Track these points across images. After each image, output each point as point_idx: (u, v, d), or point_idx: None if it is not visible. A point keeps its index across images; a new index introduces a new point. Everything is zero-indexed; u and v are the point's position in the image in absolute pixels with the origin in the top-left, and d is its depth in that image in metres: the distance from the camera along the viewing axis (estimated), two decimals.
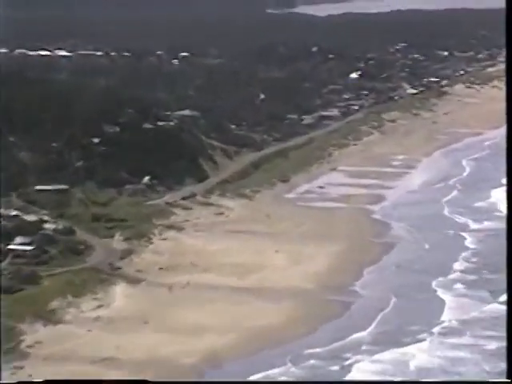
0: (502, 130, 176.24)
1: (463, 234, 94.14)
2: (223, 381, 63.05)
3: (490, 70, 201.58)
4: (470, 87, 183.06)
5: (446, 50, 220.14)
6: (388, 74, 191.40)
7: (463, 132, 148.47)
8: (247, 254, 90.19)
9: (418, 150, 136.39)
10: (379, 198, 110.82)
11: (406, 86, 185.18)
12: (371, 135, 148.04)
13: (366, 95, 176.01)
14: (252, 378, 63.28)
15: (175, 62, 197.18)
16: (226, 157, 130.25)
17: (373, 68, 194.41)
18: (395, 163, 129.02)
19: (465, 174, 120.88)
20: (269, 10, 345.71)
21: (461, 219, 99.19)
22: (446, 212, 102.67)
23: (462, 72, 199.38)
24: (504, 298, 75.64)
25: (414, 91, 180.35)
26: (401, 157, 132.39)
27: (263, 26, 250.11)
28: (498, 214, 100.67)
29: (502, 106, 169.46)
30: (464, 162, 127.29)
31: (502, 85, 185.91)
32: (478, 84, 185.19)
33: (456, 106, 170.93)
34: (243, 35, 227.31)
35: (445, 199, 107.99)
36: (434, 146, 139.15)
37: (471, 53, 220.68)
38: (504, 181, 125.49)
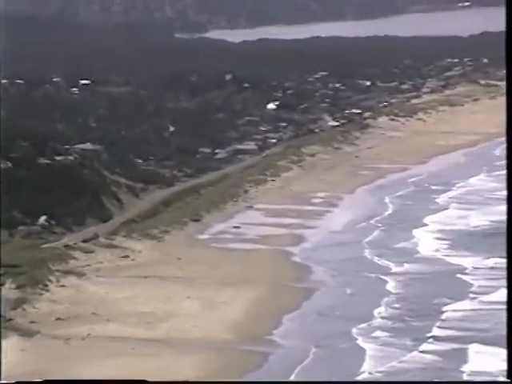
0: (428, 166, 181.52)
1: (385, 277, 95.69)
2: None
3: (414, 101, 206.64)
4: (393, 120, 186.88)
5: (369, 80, 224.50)
6: (308, 104, 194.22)
7: (387, 167, 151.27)
8: (156, 301, 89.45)
9: (340, 187, 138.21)
10: (300, 239, 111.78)
11: (326, 117, 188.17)
12: (290, 170, 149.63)
13: (285, 127, 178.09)
14: None
15: (74, 90, 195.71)
16: (132, 194, 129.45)
17: (291, 98, 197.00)
18: (316, 201, 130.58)
19: (388, 212, 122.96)
20: (177, 35, 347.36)
21: (382, 262, 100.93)
22: (367, 254, 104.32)
23: (385, 103, 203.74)
24: (425, 347, 77.09)
25: (336, 123, 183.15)
26: (322, 194, 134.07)
27: (172, 51, 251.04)
28: (419, 255, 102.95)
29: (427, 139, 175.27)
30: (387, 200, 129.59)
31: (427, 117, 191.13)
32: (403, 116, 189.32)
33: (379, 139, 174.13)
34: (150, 62, 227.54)
35: (366, 240, 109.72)
36: (356, 183, 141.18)
37: (395, 83, 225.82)
38: (426, 220, 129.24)
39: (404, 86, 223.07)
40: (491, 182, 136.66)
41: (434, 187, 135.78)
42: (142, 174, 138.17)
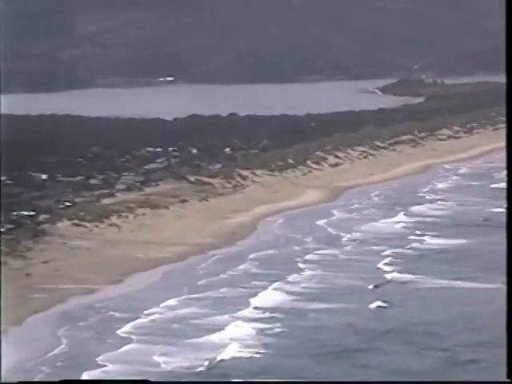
0: (122, 286, 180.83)
1: None
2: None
3: (105, 201, 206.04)
4: (78, 225, 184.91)
5: (45, 173, 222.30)
6: None
7: (69, 288, 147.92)
8: None
9: (4, 316, 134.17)
10: None
11: None
12: None
13: None
14: None
15: None
16: None
17: None
18: None
19: (59, 349, 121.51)
20: None
21: None
22: None
23: (67, 203, 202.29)
24: None
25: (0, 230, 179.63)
26: None
27: None
28: None
29: (123, 251, 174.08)
30: (61, 333, 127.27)
31: (122, 223, 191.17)
32: (90, 221, 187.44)
33: (60, 251, 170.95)
34: None
35: None
36: (27, 310, 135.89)
37: (80, 177, 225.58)
38: (104, 359, 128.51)
39: (92, 182, 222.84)
40: (189, 307, 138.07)
41: (124, 315, 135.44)
42: None
